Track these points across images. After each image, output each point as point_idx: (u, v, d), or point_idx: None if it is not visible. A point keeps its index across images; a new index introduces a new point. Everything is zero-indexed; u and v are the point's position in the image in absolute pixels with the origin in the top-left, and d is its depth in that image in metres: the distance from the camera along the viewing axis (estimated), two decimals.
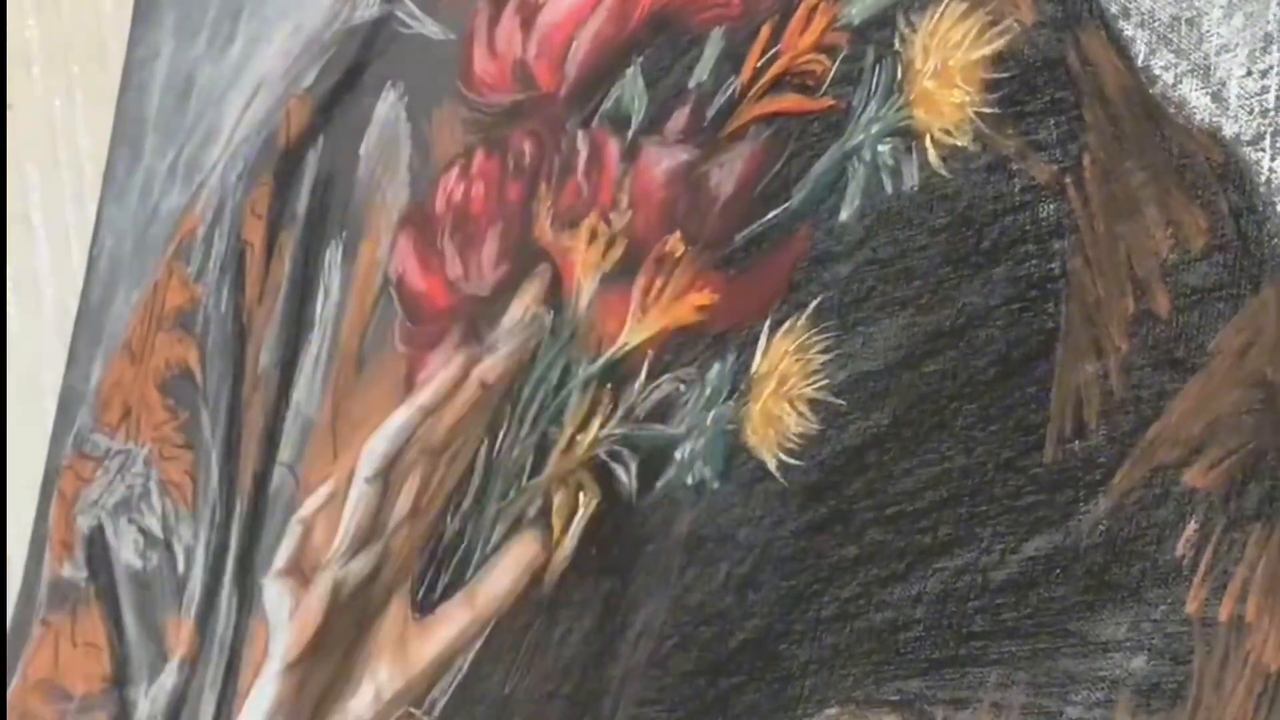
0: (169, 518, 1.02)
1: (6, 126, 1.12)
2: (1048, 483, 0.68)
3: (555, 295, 0.85)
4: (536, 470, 0.83)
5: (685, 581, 0.76)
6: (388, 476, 0.84)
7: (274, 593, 0.84)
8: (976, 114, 0.72)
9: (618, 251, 0.82)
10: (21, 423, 1.13)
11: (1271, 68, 0.66)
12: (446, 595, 0.84)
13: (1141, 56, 0.69)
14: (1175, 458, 0.65)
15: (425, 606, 0.84)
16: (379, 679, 0.83)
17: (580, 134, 0.85)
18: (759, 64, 0.79)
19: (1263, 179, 0.66)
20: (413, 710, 0.84)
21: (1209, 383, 0.65)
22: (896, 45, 0.75)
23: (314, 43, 0.96)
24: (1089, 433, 0.67)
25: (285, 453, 0.97)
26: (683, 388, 0.79)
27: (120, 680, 1.03)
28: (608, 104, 0.84)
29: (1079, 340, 0.68)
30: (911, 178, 0.74)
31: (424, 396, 0.85)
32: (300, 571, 0.85)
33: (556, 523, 0.82)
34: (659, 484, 0.79)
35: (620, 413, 0.81)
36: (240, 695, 0.88)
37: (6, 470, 1.10)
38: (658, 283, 0.81)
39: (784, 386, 0.75)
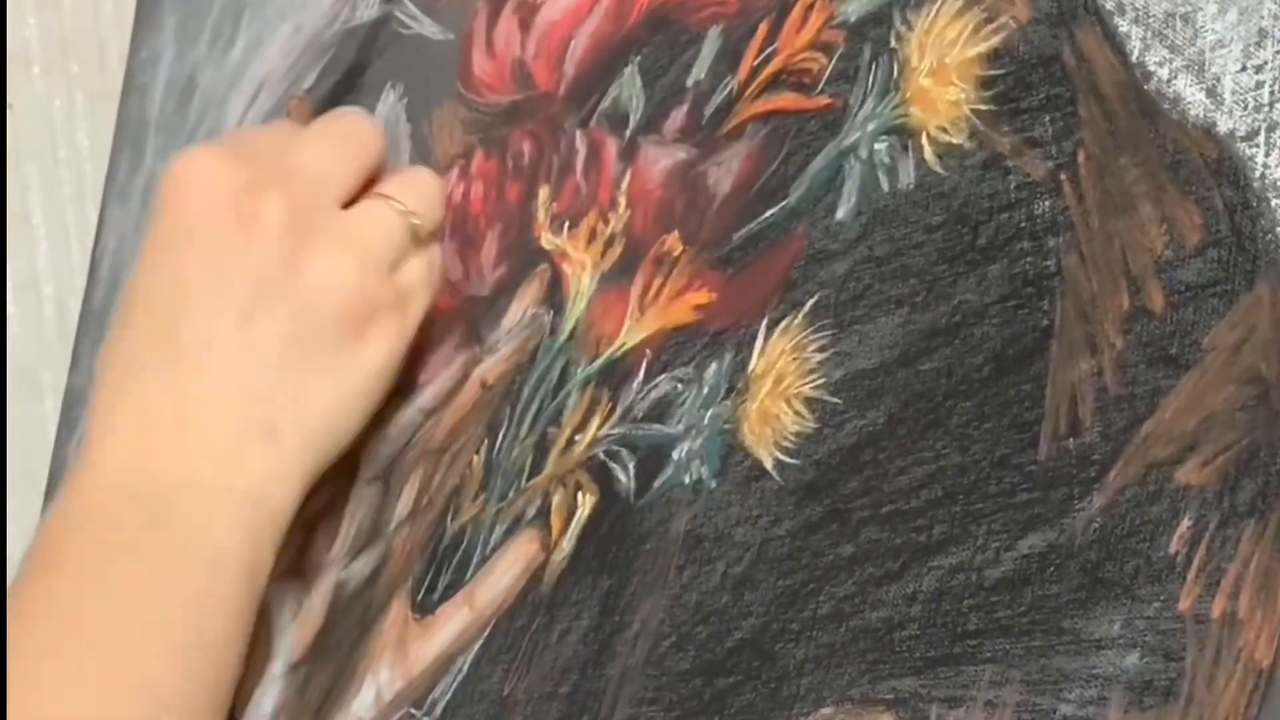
0: None
1: (6, 126, 1.12)
2: (1042, 480, 0.68)
3: (555, 295, 0.85)
4: (536, 470, 0.83)
5: (682, 581, 0.76)
6: (388, 478, 0.84)
7: (276, 595, 0.84)
8: (972, 111, 0.72)
9: (616, 251, 0.82)
10: (21, 423, 1.13)
11: (1266, 63, 0.66)
12: (446, 596, 0.84)
13: (1136, 52, 0.69)
14: (1169, 454, 0.65)
15: (425, 607, 0.84)
16: (380, 680, 0.83)
17: (579, 134, 0.85)
18: (756, 62, 0.79)
19: (1257, 174, 0.66)
20: (413, 711, 0.84)
21: (1203, 379, 0.65)
22: (893, 43, 0.75)
23: (314, 44, 0.96)
24: (1083, 430, 0.67)
25: None
26: (680, 387, 0.79)
27: None
28: (605, 103, 0.84)
29: (1074, 337, 0.68)
30: (908, 175, 0.74)
31: (424, 398, 0.85)
32: (302, 573, 0.85)
33: (555, 523, 0.82)
34: (657, 483, 0.78)
35: (619, 412, 0.81)
36: (244, 697, 0.87)
37: (6, 470, 1.10)
38: (656, 282, 0.81)
39: (781, 385, 0.75)
